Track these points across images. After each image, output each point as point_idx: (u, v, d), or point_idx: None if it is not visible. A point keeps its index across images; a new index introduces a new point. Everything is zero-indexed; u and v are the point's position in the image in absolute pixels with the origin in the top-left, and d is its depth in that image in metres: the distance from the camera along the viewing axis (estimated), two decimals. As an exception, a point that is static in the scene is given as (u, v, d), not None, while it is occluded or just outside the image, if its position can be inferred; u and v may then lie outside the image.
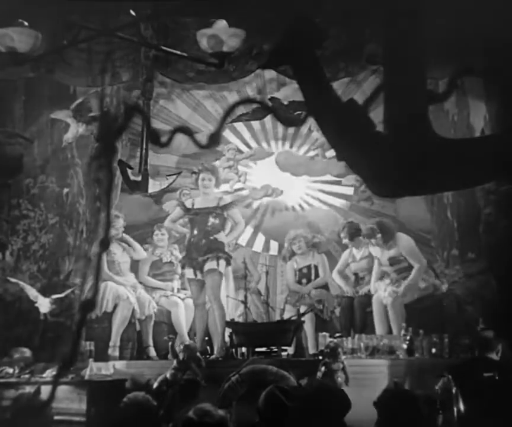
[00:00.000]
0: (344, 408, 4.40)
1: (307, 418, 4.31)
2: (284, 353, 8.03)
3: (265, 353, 7.90)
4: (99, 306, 8.58)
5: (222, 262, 8.43)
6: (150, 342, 8.84)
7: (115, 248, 8.94)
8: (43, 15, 7.29)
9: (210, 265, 8.36)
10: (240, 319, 8.99)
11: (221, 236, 8.54)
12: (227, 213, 8.66)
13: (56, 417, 6.33)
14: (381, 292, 8.72)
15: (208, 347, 8.50)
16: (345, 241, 9.32)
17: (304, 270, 9.42)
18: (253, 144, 10.74)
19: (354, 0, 7.63)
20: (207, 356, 8.16)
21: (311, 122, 9.13)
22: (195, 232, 8.59)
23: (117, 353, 8.51)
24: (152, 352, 8.77)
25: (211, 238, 8.49)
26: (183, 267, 8.75)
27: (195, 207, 8.68)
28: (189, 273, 8.59)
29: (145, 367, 8.12)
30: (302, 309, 8.98)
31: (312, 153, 10.60)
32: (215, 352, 8.29)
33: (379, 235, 8.82)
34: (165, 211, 10.07)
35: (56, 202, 9.21)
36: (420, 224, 10.05)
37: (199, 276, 8.46)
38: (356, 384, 7.11)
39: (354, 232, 9.28)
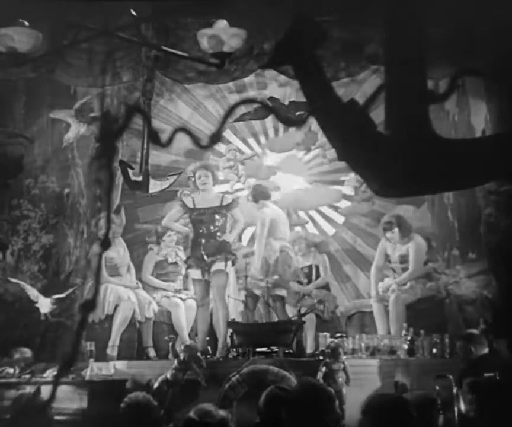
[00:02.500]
0: (328, 401, 4.36)
1: (300, 418, 4.30)
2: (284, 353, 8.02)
3: (265, 353, 7.89)
4: (101, 309, 8.57)
5: (229, 263, 8.45)
6: (150, 343, 8.83)
7: (113, 251, 8.91)
8: (44, 15, 7.29)
9: (217, 266, 8.37)
10: (241, 320, 8.98)
11: (227, 236, 8.55)
12: (230, 212, 8.66)
13: (56, 417, 6.34)
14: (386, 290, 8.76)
15: (209, 348, 8.50)
16: None
17: (305, 270, 9.42)
18: (254, 144, 10.74)
19: (354, 0, 7.63)
20: (208, 356, 8.16)
21: (312, 122, 9.15)
22: (201, 232, 8.56)
23: (115, 353, 8.50)
24: (152, 353, 8.76)
25: (220, 239, 8.49)
26: (189, 268, 8.71)
27: (197, 206, 8.65)
28: (195, 273, 8.56)
29: (146, 368, 8.12)
30: (303, 310, 8.97)
31: (312, 154, 10.59)
32: (217, 353, 8.29)
33: (396, 229, 8.83)
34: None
35: (57, 202, 9.21)
36: (420, 224, 10.06)
37: (206, 277, 8.45)
38: (357, 384, 7.11)
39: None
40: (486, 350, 6.84)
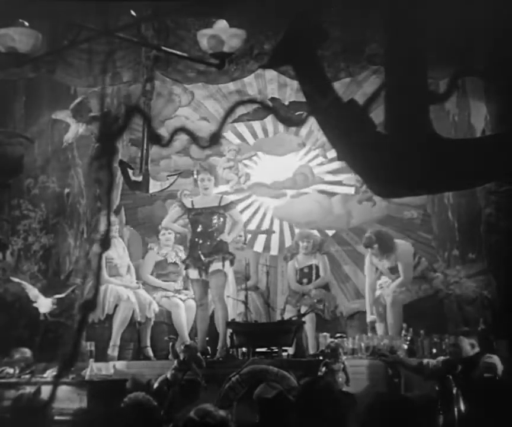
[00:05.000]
0: (346, 411, 4.39)
1: (309, 419, 4.30)
2: (284, 354, 8.02)
3: (265, 353, 7.89)
4: (101, 309, 8.58)
5: (227, 263, 8.44)
6: (148, 342, 8.82)
7: (112, 251, 8.91)
8: (44, 15, 7.29)
9: (215, 266, 8.37)
10: (241, 320, 8.98)
11: (225, 237, 8.54)
12: (229, 212, 8.66)
13: (56, 417, 6.33)
14: (384, 289, 8.76)
15: (208, 348, 8.50)
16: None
17: (306, 270, 9.43)
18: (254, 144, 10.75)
19: (354, 0, 7.64)
20: (208, 357, 8.16)
21: (312, 122, 9.15)
22: (199, 232, 8.57)
23: (116, 353, 8.50)
24: (149, 352, 8.75)
25: (217, 239, 8.49)
26: (187, 268, 8.73)
27: (195, 206, 8.66)
28: (193, 273, 8.57)
29: (145, 368, 8.12)
30: (303, 310, 8.97)
31: (313, 154, 10.59)
32: (217, 353, 8.29)
33: (376, 245, 8.75)
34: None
35: (57, 202, 9.21)
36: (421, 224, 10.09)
37: (204, 277, 8.46)
38: (356, 384, 7.12)
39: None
40: (473, 351, 6.84)
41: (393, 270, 8.82)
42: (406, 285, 8.70)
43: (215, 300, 8.45)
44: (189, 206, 8.72)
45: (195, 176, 8.88)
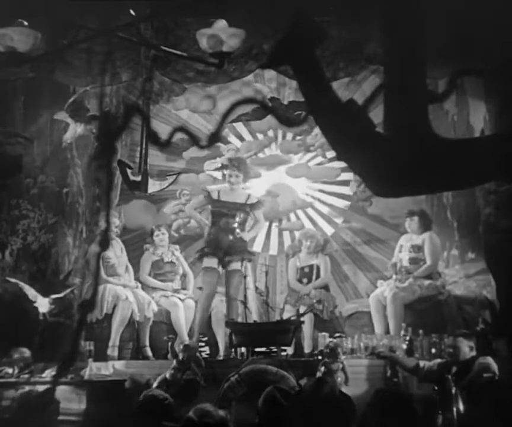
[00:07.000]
0: (349, 416, 4.39)
1: (311, 421, 4.30)
2: (283, 353, 8.02)
3: (264, 353, 7.89)
4: (99, 308, 8.58)
5: (246, 264, 8.54)
6: (147, 342, 8.82)
7: (110, 251, 8.91)
8: (43, 15, 7.29)
9: (234, 265, 8.46)
10: (240, 319, 8.98)
11: (245, 235, 8.61)
12: (253, 211, 8.74)
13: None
14: (385, 287, 8.76)
15: (207, 348, 8.50)
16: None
17: (306, 269, 9.41)
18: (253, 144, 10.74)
19: (353, 0, 7.63)
20: (207, 356, 8.16)
21: (311, 122, 9.14)
22: (221, 225, 8.62)
23: (116, 353, 8.51)
24: (148, 352, 8.75)
25: (238, 236, 8.55)
26: (203, 256, 8.71)
27: (221, 199, 8.70)
28: (209, 262, 8.59)
29: (144, 367, 8.12)
30: (302, 309, 8.97)
31: (311, 154, 10.59)
32: (220, 353, 8.31)
33: (416, 218, 8.95)
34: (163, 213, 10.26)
35: (56, 202, 9.21)
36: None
37: (220, 269, 8.51)
38: (355, 384, 7.12)
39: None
40: (471, 354, 6.84)
41: (414, 249, 8.92)
42: (431, 271, 8.78)
43: (229, 298, 8.50)
44: (215, 196, 8.76)
45: (224, 171, 8.97)
